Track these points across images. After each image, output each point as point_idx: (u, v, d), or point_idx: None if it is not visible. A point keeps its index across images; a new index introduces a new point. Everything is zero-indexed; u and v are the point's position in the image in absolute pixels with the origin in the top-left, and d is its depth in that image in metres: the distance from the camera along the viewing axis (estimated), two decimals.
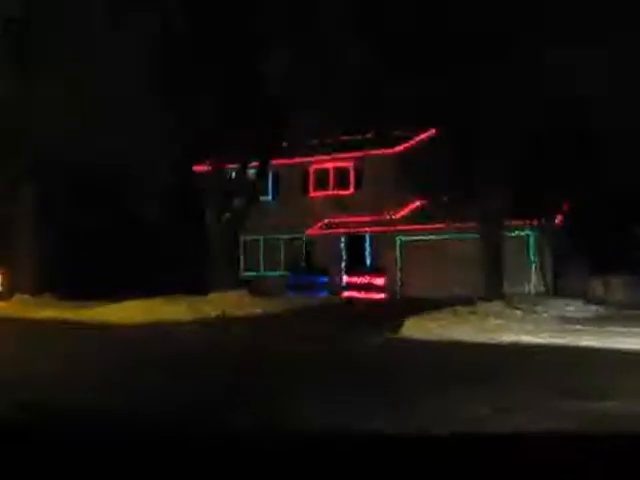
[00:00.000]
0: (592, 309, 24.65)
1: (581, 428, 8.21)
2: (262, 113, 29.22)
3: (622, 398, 9.91)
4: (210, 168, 31.06)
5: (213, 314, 24.04)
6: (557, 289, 28.88)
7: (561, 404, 9.59)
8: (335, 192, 34.88)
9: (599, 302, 26.04)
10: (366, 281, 32.30)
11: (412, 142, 33.97)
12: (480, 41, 25.06)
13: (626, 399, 9.89)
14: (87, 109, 26.87)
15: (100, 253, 33.01)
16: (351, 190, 34.62)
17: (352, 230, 33.70)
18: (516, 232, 29.42)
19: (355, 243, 33.94)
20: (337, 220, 34.13)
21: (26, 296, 29.94)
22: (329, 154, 34.98)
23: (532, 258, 30.13)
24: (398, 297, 31.61)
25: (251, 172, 31.48)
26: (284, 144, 33.27)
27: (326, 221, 34.40)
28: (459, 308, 21.88)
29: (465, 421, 8.70)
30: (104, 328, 21.93)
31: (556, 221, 30.26)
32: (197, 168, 34.24)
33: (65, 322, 23.55)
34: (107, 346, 18.09)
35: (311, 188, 35.46)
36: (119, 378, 12.36)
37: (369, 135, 35.39)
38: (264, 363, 14.56)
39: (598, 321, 20.97)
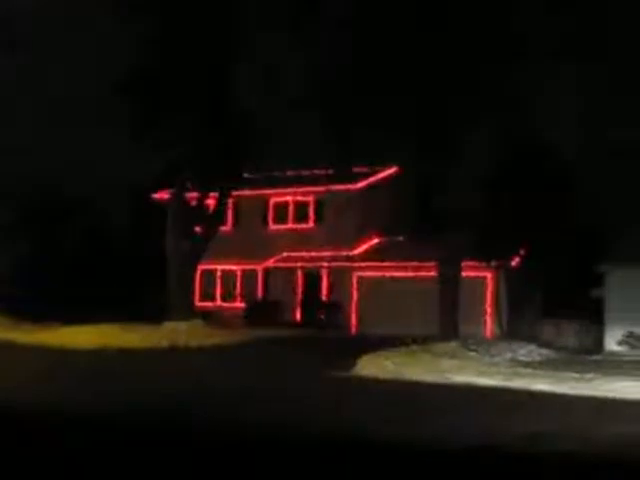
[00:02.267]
0: (544, 353, 24.80)
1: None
2: (226, 142, 29.22)
3: (573, 444, 9.95)
4: (171, 196, 30.93)
5: (166, 344, 23.82)
6: (511, 332, 29.03)
7: (513, 448, 9.59)
8: (295, 225, 34.87)
9: (551, 346, 26.23)
10: (322, 316, 32.22)
11: (374, 179, 34.13)
12: (443, 77, 25.26)
13: (576, 445, 9.93)
14: (52, 128, 26.63)
15: (56, 276, 32.63)
16: (311, 224, 34.63)
17: (310, 264, 33.66)
18: (473, 273, 29.58)
19: (312, 278, 33.87)
20: (295, 254, 34.07)
21: None
22: (290, 187, 35.00)
23: (488, 300, 30.29)
24: (354, 333, 31.57)
25: (211, 202, 31.41)
26: (245, 175, 33.22)
27: (284, 254, 34.33)
28: (414, 347, 21.91)
29: None
30: (50, 352, 21.70)
31: (513, 264, 30.51)
32: (158, 196, 34.07)
33: (12, 344, 23.27)
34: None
35: (271, 220, 35.40)
36: None
37: (331, 170, 35.45)
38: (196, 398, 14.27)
39: (551, 365, 21.09)
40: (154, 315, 27.49)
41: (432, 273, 28.74)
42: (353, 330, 32.10)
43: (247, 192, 34.35)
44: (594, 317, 27.49)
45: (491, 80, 25.07)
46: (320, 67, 26.28)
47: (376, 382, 17.45)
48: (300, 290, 34.06)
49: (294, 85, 27.41)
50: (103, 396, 13.35)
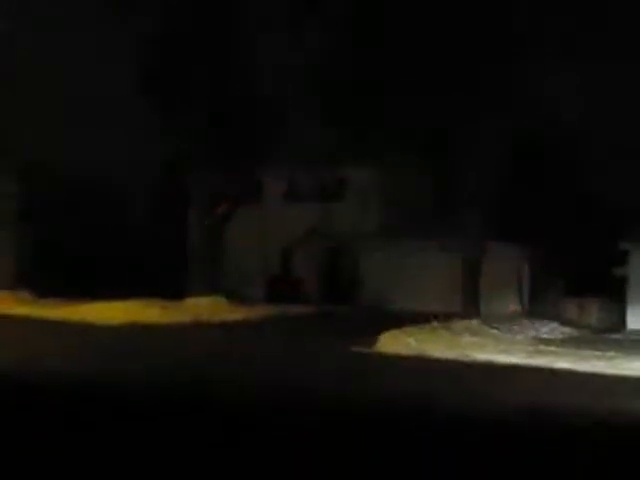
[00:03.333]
0: (566, 331, 24.79)
1: None
2: (251, 120, 29.23)
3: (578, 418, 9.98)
4: (193, 175, 30.99)
5: (189, 319, 24.00)
6: (533, 310, 28.99)
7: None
8: (317, 204, 34.84)
9: (574, 325, 26.19)
10: (343, 292, 32.30)
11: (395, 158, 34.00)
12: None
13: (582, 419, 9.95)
14: (72, 105, 26.60)
15: (79, 251, 32.78)
16: (333, 202, 34.61)
17: (332, 242, 33.71)
18: (496, 251, 29.49)
19: (334, 255, 33.94)
20: (316, 231, 34.10)
21: (3, 292, 29.57)
22: (312, 166, 34.93)
23: (510, 278, 30.20)
24: (376, 310, 31.59)
25: (236, 179, 31.45)
26: (269, 154, 33.20)
27: (306, 232, 34.36)
28: (436, 324, 21.96)
29: None
30: (75, 329, 21.87)
31: (534, 242, 30.37)
32: (180, 175, 34.11)
33: (43, 320, 23.47)
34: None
35: (293, 198, 35.41)
36: None
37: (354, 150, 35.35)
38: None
39: (573, 344, 21.09)
40: (175, 292, 27.62)
41: (454, 251, 28.73)
42: (375, 307, 32.13)
43: (270, 170, 34.35)
44: (617, 296, 27.41)
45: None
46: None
47: (397, 359, 17.52)
48: (322, 267, 34.15)
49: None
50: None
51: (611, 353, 18.22)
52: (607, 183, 26.72)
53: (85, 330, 21.65)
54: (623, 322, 26.80)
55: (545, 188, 27.77)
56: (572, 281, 28.53)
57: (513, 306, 29.79)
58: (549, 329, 24.57)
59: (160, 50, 27.50)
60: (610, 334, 24.74)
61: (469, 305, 26.93)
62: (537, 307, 28.88)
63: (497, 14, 25.03)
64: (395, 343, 19.09)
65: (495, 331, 22.19)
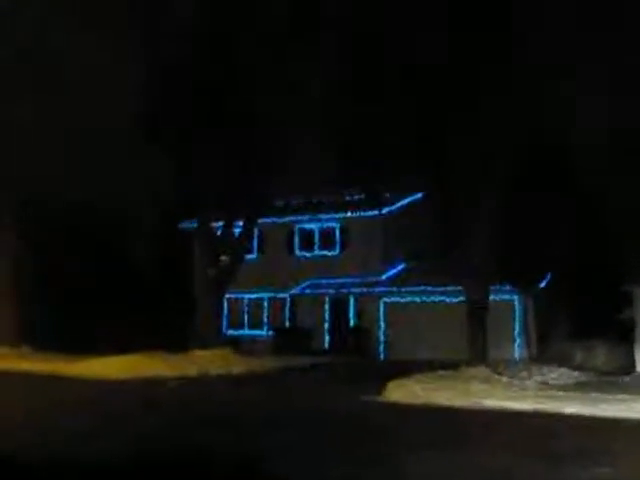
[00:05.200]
0: (575, 375, 24.53)
1: None
2: (250, 170, 29.33)
3: (613, 465, 9.86)
4: (197, 224, 31.07)
5: (194, 372, 23.84)
6: (541, 354, 28.79)
7: (551, 471, 9.48)
8: (321, 252, 34.90)
9: (582, 368, 25.94)
10: (350, 342, 32.15)
11: (399, 204, 34.13)
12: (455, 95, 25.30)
13: (617, 466, 9.84)
14: (75, 153, 26.62)
15: (81, 306, 32.75)
16: (337, 251, 34.66)
17: (336, 291, 33.64)
18: (501, 297, 29.42)
19: (339, 304, 33.86)
20: (322, 280, 34.08)
21: (4, 348, 29.49)
22: (315, 214, 35.08)
23: (517, 323, 30.10)
24: (382, 359, 31.45)
25: (237, 230, 31.52)
26: (271, 202, 33.35)
27: (311, 281, 34.34)
28: (443, 372, 21.78)
29: None
30: (83, 385, 21.67)
31: (540, 286, 30.30)
32: (184, 225, 34.26)
33: (48, 376, 23.29)
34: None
35: (296, 247, 35.48)
36: None
37: (355, 196, 35.57)
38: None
39: (582, 388, 20.84)
40: (180, 344, 27.51)
41: (459, 298, 28.64)
42: (381, 356, 31.99)
43: (272, 219, 34.48)
44: (624, 338, 27.21)
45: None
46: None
47: (405, 407, 17.34)
48: (327, 317, 34.05)
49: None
50: None
51: (621, 396, 18.00)
52: (612, 224, 26.66)
53: (96, 386, 21.43)
54: (632, 364, 26.55)
55: (550, 230, 27.72)
56: (579, 324, 28.37)
57: (520, 351, 29.59)
58: (557, 374, 24.31)
59: (164, 96, 27.47)
60: (619, 377, 24.48)
61: (476, 352, 26.71)
62: (545, 351, 28.67)
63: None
64: (402, 391, 18.90)
65: (503, 377, 21.97)
